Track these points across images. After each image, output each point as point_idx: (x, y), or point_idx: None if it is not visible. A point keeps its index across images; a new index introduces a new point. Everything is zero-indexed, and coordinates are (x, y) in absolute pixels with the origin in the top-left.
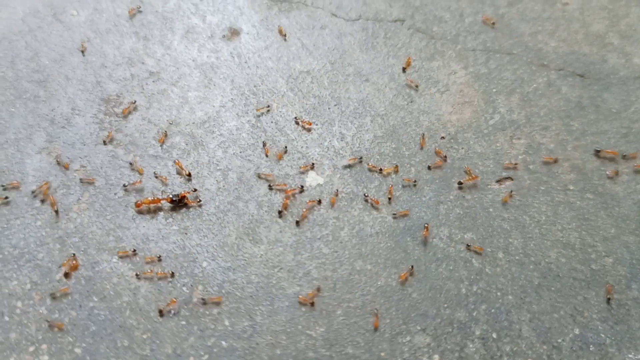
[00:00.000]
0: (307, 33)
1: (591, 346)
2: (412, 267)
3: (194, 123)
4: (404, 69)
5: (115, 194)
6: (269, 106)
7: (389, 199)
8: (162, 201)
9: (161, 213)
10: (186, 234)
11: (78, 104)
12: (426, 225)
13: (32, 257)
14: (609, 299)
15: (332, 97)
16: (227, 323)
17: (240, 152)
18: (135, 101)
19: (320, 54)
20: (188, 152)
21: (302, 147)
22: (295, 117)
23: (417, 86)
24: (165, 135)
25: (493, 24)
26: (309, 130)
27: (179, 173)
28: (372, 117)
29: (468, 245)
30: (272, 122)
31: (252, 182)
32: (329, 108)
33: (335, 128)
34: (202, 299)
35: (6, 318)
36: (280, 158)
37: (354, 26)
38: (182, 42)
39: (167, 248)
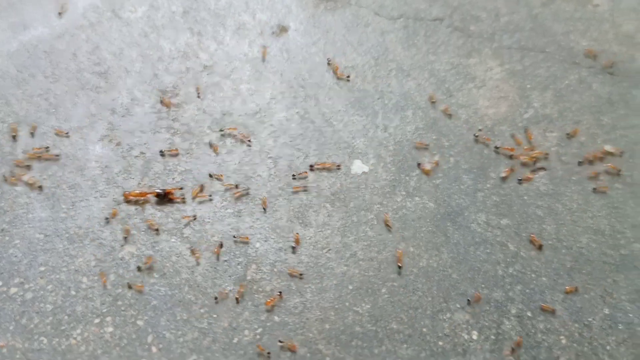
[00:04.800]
0: (352, 31)
1: (620, 325)
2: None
3: (246, 114)
4: None
5: (173, 178)
6: (348, 76)
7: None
8: (148, 195)
9: (216, 197)
10: (240, 216)
11: (137, 94)
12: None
13: (96, 236)
14: None
15: (376, 90)
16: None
17: (290, 142)
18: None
19: (364, 51)
20: (241, 140)
21: (347, 137)
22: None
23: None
24: (201, 190)
25: None
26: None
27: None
28: (413, 110)
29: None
30: (319, 113)
31: (302, 169)
32: (372, 101)
33: (379, 120)
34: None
35: (72, 292)
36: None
37: (395, 24)
38: (234, 37)
39: (222, 229)
